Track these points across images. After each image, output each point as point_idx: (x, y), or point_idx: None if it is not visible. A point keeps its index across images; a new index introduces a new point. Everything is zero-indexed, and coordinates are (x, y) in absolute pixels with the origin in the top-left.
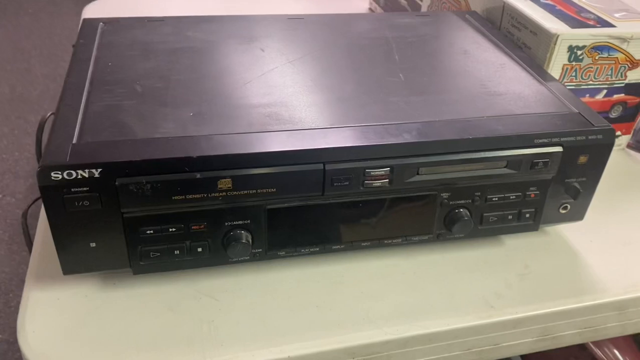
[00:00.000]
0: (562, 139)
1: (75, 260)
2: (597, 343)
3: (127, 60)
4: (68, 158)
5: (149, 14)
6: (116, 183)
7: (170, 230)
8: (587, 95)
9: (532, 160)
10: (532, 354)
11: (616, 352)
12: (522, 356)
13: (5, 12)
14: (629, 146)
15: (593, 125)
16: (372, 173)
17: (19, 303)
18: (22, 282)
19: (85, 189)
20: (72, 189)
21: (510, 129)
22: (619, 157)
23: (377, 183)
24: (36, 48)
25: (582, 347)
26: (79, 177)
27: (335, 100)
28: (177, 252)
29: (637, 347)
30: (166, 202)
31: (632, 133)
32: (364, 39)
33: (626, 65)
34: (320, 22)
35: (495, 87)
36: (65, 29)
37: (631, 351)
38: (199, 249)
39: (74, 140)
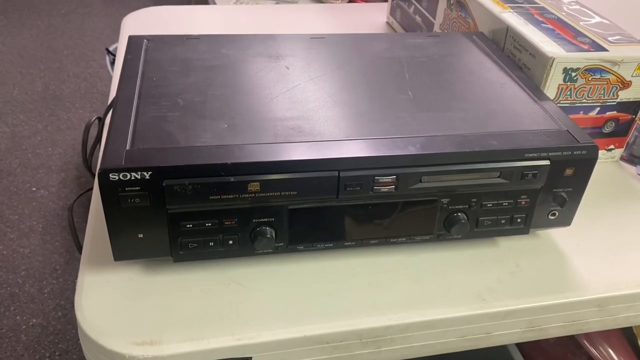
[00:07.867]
0: (550, 154)
1: (125, 248)
2: (593, 342)
3: (170, 75)
4: (123, 162)
5: (180, 22)
6: (163, 184)
7: (207, 225)
8: (582, 112)
9: (522, 172)
10: (531, 350)
11: (610, 351)
12: (521, 352)
13: (39, 13)
14: (622, 159)
15: (578, 141)
16: (380, 180)
17: (52, 290)
18: (55, 270)
19: (137, 188)
20: (126, 188)
21: (504, 144)
22: (612, 169)
23: (385, 189)
24: (68, 48)
25: (578, 346)
26: (133, 178)
27: (351, 115)
28: (211, 243)
29: (631, 347)
30: (204, 200)
31: (625, 146)
32: (378, 58)
33: (617, 86)
34: (340, 42)
35: (494, 105)
36: (96, 30)
37: (625, 350)
38: (230, 242)
39: (127, 147)
